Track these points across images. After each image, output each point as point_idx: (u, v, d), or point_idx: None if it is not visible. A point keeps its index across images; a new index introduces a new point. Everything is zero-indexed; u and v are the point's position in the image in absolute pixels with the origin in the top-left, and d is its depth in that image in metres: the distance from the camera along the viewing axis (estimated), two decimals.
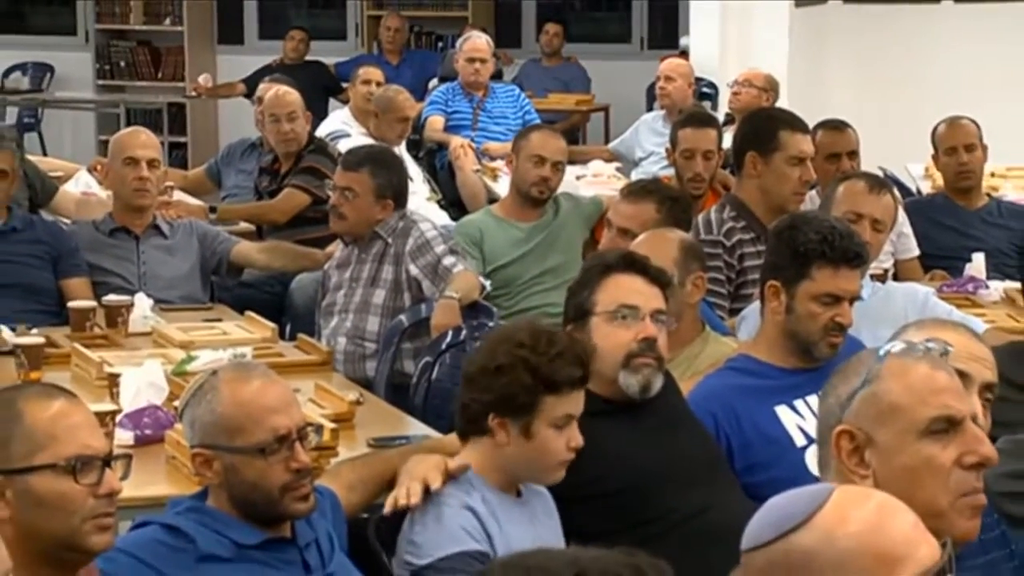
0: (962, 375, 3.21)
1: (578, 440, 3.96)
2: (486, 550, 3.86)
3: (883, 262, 6.44)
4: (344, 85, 11.97)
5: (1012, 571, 3.54)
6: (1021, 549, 3.60)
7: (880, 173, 7.25)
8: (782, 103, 9.10)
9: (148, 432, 4.70)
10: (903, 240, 7.05)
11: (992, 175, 8.37)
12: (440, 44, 14.64)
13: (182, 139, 14.56)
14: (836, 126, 7.31)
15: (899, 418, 3.07)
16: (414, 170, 8.39)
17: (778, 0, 10.63)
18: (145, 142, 6.71)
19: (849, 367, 3.14)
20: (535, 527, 3.97)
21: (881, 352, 3.12)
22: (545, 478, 4.03)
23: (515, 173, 7.17)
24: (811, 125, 6.73)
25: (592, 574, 2.13)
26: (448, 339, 5.76)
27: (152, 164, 6.64)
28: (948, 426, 3.06)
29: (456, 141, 9.66)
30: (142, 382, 4.93)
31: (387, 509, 3.93)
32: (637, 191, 6.11)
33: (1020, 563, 3.58)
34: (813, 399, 3.94)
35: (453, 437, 4.12)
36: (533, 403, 3.94)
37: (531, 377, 3.92)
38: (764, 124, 6.48)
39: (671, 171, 7.47)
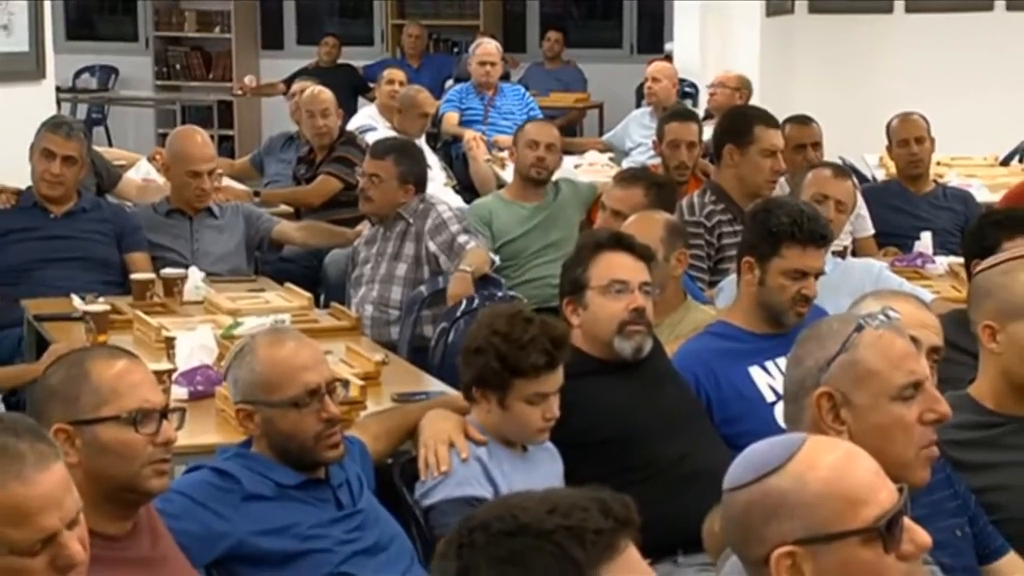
0: (913, 340, 3.22)
1: (553, 412, 3.95)
2: (488, 496, 3.86)
3: (843, 240, 6.44)
4: (371, 85, 11.94)
5: (955, 508, 3.53)
6: (962, 489, 3.59)
7: (841, 162, 7.25)
8: (755, 101, 9.08)
9: (200, 388, 4.69)
10: (860, 221, 7.05)
11: (938, 164, 8.35)
12: (455, 49, 14.60)
13: (229, 132, 14.54)
14: (802, 120, 7.31)
15: (874, 383, 3.08)
16: (432, 159, 8.37)
17: (752, 7, 10.60)
18: (203, 151, 6.70)
19: (822, 334, 3.15)
20: (537, 477, 3.96)
21: (858, 323, 3.13)
22: (529, 440, 4.02)
23: (516, 159, 7.22)
24: (780, 119, 6.72)
25: (563, 507, 2.13)
26: (462, 307, 5.75)
27: (210, 174, 6.68)
28: (915, 391, 3.08)
29: (469, 134, 9.64)
30: (195, 344, 4.92)
31: (423, 476, 3.94)
32: (628, 178, 6.11)
33: (962, 501, 3.57)
34: (782, 361, 3.93)
35: (464, 394, 4.12)
36: (503, 384, 3.94)
37: (499, 363, 3.93)
38: (741, 120, 6.48)
39: (658, 160, 7.45)
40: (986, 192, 8.00)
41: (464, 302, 5.79)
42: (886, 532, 2.45)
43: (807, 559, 2.47)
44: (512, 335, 3.93)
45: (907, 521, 2.48)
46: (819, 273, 4.59)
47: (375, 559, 3.71)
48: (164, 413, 3.29)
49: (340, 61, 13.38)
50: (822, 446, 2.54)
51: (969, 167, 8.90)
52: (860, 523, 2.45)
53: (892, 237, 7.11)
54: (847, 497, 2.47)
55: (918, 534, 2.48)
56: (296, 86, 9.10)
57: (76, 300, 5.68)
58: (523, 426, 3.96)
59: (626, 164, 8.74)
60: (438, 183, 8.10)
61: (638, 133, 9.53)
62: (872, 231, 7.11)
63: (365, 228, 6.69)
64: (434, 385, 4.88)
